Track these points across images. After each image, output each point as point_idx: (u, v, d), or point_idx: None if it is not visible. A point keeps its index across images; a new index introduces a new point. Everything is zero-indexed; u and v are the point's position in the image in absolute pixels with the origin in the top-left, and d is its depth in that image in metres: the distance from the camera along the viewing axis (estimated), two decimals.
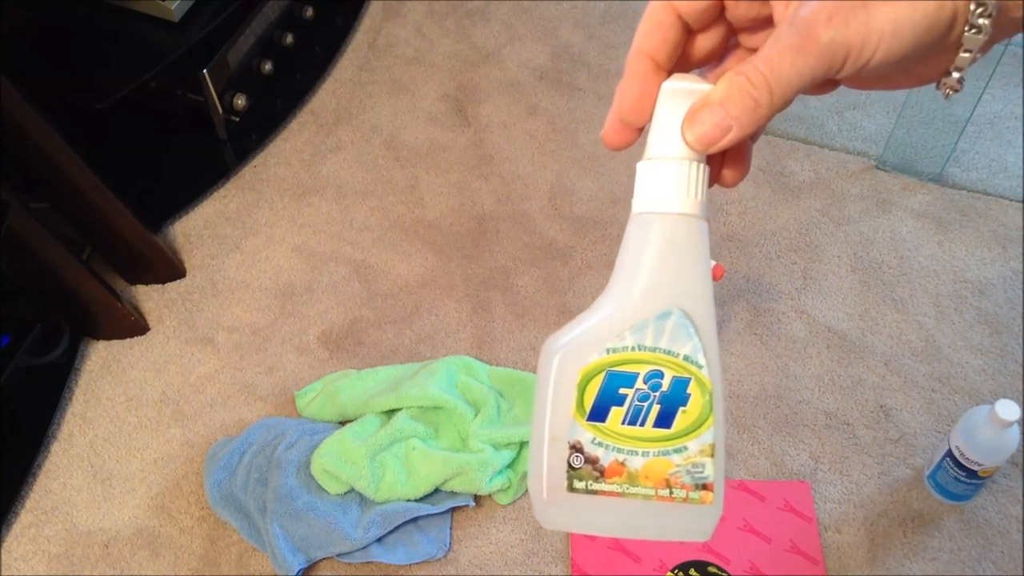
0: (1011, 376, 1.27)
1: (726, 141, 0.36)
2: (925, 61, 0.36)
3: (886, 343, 1.31)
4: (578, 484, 0.40)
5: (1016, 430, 1.07)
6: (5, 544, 1.16)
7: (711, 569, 1.11)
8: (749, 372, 1.28)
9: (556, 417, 0.39)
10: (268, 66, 1.54)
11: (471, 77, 1.65)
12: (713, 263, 1.12)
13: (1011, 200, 1.46)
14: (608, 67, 1.66)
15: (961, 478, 1.11)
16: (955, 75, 0.36)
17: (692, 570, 1.11)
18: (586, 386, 0.39)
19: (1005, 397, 1.17)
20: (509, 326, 1.33)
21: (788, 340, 1.31)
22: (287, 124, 1.58)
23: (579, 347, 0.39)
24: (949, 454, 1.11)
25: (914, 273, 1.38)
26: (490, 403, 1.20)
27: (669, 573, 1.11)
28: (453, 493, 1.16)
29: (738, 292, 1.36)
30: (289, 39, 1.59)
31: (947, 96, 0.37)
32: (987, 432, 1.07)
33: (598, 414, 0.39)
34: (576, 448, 0.39)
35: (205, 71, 1.41)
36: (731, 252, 1.40)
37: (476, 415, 1.20)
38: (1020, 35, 1.45)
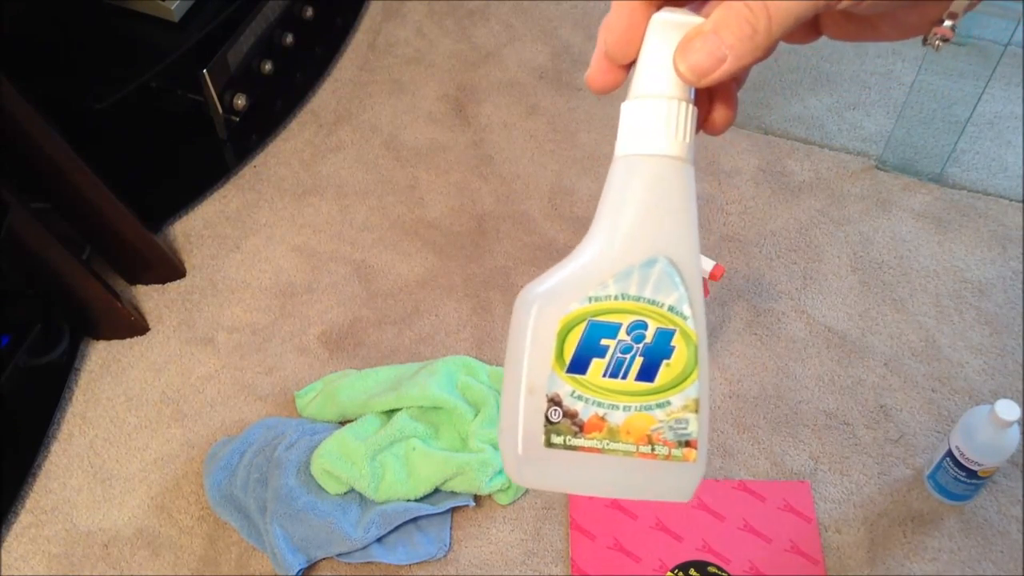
0: (1011, 376, 1.27)
1: (720, 72, 0.34)
2: (918, 6, 0.35)
3: (886, 343, 1.31)
4: (556, 439, 0.38)
5: (1016, 430, 1.07)
6: (5, 544, 1.16)
7: (711, 569, 1.11)
8: (749, 372, 1.28)
9: (534, 368, 0.37)
10: (268, 66, 1.54)
11: (471, 77, 1.65)
12: (713, 263, 1.12)
13: (1011, 200, 1.46)
14: None
15: (961, 478, 1.11)
16: (948, 23, 0.35)
17: (692, 570, 1.11)
18: (566, 336, 0.37)
19: (1005, 397, 1.17)
20: (509, 326, 1.33)
21: (788, 340, 1.31)
22: (287, 124, 1.58)
23: (560, 295, 0.37)
24: (949, 454, 1.11)
25: (914, 273, 1.38)
26: (490, 403, 1.20)
27: (669, 573, 1.11)
28: (453, 493, 1.16)
29: (738, 292, 1.36)
30: (289, 39, 1.59)
31: (936, 48, 0.36)
32: (987, 432, 1.07)
33: (578, 366, 0.37)
34: (555, 401, 0.38)
35: (205, 71, 1.41)
36: (731, 252, 1.40)
37: (476, 415, 1.20)
38: (1020, 35, 1.43)
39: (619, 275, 0.37)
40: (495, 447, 1.16)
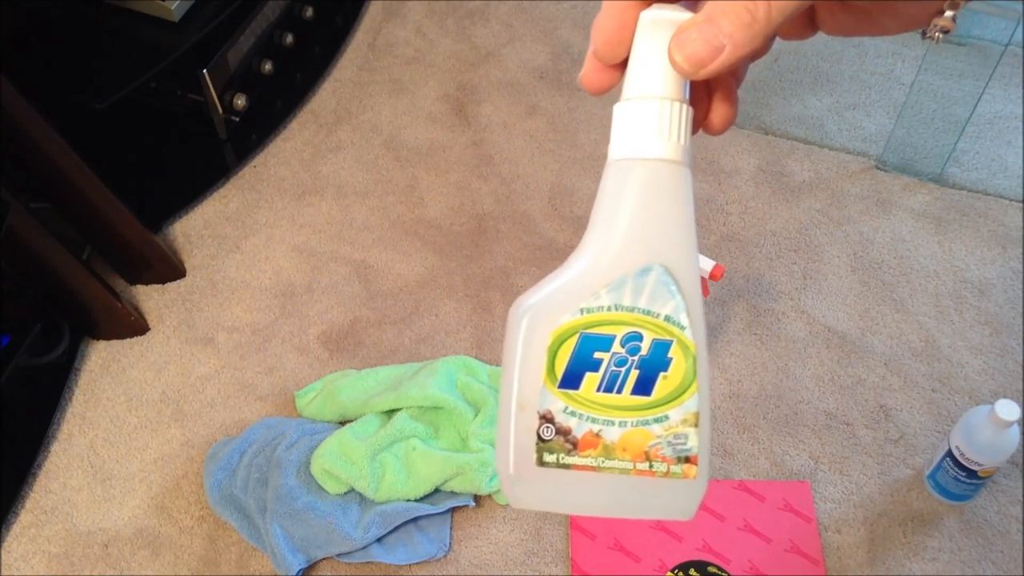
0: (1011, 376, 1.27)
1: (718, 63, 0.33)
2: None
3: (886, 343, 1.31)
4: (548, 458, 0.36)
5: (1016, 430, 1.07)
6: (5, 544, 1.16)
7: (711, 569, 1.11)
8: (749, 372, 1.28)
9: (524, 384, 0.36)
10: (268, 66, 1.54)
11: (471, 77, 1.65)
12: (713, 263, 1.12)
13: (1011, 200, 1.46)
14: None
15: (961, 478, 1.11)
16: (948, 13, 0.34)
17: (692, 570, 1.11)
18: (558, 350, 0.36)
19: (1005, 397, 1.17)
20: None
21: (788, 340, 1.31)
22: (287, 124, 1.58)
23: (550, 307, 0.36)
24: (949, 454, 1.11)
25: (914, 273, 1.38)
26: (490, 403, 1.20)
27: (669, 573, 1.11)
28: (453, 493, 1.16)
29: (738, 292, 1.36)
30: (289, 39, 1.59)
31: (936, 40, 0.35)
32: (987, 432, 1.07)
33: (571, 381, 0.36)
34: (546, 418, 0.36)
35: (205, 71, 1.41)
36: (731, 252, 1.40)
37: (476, 415, 1.20)
38: (1020, 35, 1.43)
39: (612, 285, 0.35)
40: (495, 447, 1.16)
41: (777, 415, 1.25)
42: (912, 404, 1.25)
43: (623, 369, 0.36)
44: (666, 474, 0.37)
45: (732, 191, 1.48)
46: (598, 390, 0.36)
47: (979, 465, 1.08)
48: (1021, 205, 1.45)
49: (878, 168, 1.50)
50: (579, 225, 1.44)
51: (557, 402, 0.36)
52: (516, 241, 1.43)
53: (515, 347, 0.36)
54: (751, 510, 1.16)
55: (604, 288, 0.36)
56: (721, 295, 1.35)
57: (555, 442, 0.36)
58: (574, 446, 0.36)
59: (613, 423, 0.36)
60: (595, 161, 1.52)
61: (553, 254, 1.41)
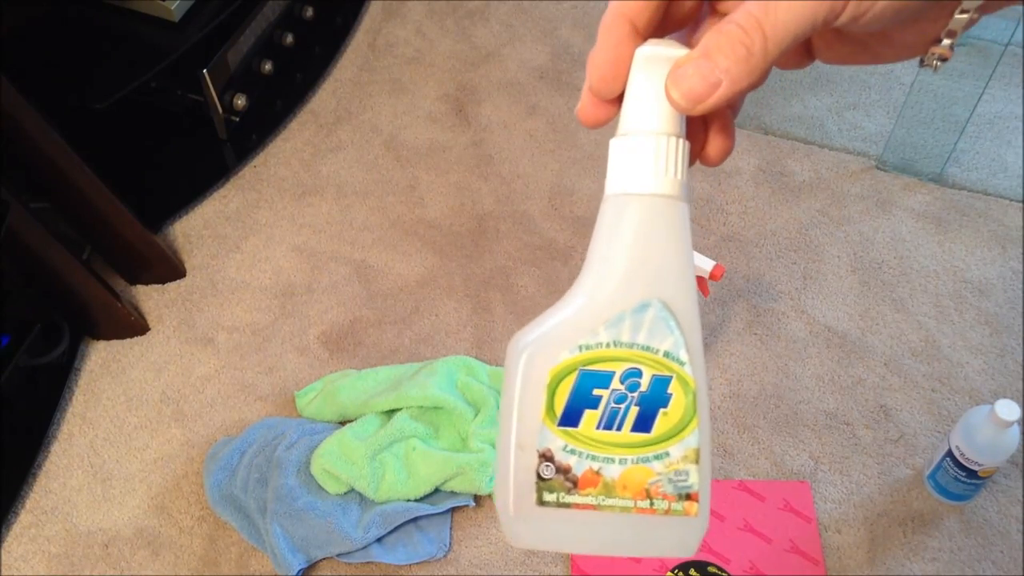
0: (1011, 376, 1.27)
1: (715, 98, 0.33)
2: (915, 24, 0.34)
3: (886, 343, 1.31)
4: (548, 497, 0.36)
5: (1016, 430, 1.07)
6: (5, 544, 1.16)
7: (711, 569, 1.11)
8: (749, 372, 1.28)
9: (524, 423, 0.36)
10: (268, 66, 1.54)
11: (471, 77, 1.65)
12: (713, 263, 1.12)
13: (1011, 200, 1.46)
14: None
15: (961, 478, 1.11)
16: (946, 42, 0.34)
17: (692, 570, 1.11)
18: (556, 387, 0.36)
19: (1005, 397, 1.17)
20: (509, 326, 1.33)
21: (788, 340, 1.31)
22: (287, 124, 1.58)
23: (549, 344, 0.36)
24: (949, 454, 1.11)
25: (914, 273, 1.38)
26: (490, 403, 1.20)
27: (669, 573, 1.11)
28: (453, 493, 1.16)
29: (738, 292, 1.36)
30: (289, 39, 1.59)
31: (935, 69, 0.35)
32: (987, 432, 1.07)
33: (570, 418, 0.36)
34: (546, 457, 0.36)
35: (205, 71, 1.41)
36: (731, 252, 1.40)
37: (476, 415, 1.20)
38: (1020, 35, 1.43)
39: (610, 322, 0.35)
40: (495, 447, 1.16)
41: (777, 415, 1.25)
42: (912, 404, 1.25)
43: (623, 406, 0.36)
44: (667, 511, 0.36)
45: (732, 191, 1.48)
46: (598, 427, 0.36)
47: (979, 465, 1.08)
48: (1021, 205, 1.45)
49: (878, 168, 1.50)
50: (579, 225, 1.44)
51: (557, 440, 0.36)
52: (516, 241, 1.43)
53: (514, 385, 0.36)
54: (751, 510, 1.16)
55: (602, 325, 0.35)
56: (721, 295, 1.35)
57: (555, 481, 0.36)
58: (574, 484, 0.36)
59: (613, 461, 0.36)
60: (595, 161, 1.52)
61: (553, 254, 1.41)
